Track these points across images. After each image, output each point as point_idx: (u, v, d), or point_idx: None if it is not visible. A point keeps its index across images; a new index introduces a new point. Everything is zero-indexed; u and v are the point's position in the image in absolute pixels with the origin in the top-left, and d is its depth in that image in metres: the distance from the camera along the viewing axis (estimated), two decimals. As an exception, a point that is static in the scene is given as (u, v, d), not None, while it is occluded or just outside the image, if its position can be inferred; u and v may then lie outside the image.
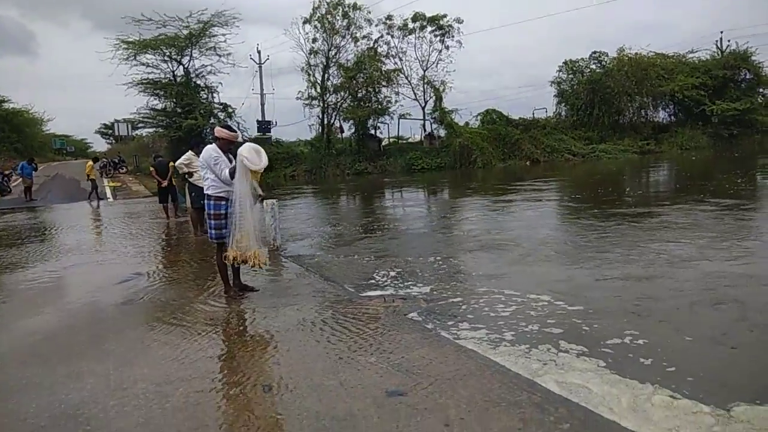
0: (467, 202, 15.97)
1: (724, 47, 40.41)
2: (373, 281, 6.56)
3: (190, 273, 7.02)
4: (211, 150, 5.37)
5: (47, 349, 4.37)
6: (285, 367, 3.77)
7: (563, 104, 38.94)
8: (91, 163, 21.23)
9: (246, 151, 5.16)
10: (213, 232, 5.46)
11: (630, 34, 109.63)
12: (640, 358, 3.84)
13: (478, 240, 8.91)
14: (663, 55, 39.19)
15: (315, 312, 5.03)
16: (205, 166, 5.38)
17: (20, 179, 20.93)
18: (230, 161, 5.44)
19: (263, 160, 5.24)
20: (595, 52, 37.78)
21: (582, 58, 38.18)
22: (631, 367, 3.67)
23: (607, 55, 37.49)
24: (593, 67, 37.75)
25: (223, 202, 5.34)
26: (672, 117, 41.06)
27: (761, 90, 39.07)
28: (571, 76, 38.31)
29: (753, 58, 37.40)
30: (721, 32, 42.07)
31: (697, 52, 40.68)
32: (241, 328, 4.72)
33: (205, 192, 5.48)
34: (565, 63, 38.46)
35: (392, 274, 6.83)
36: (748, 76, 37.94)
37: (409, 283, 6.35)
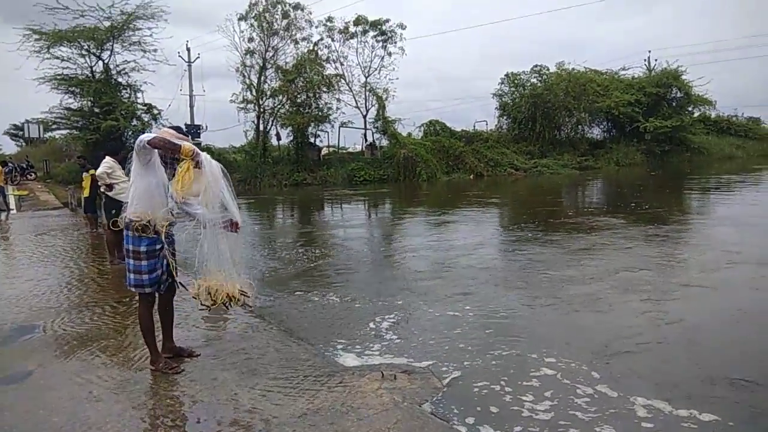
0: (424, 222, 14.65)
1: (651, 66, 41.94)
2: (348, 336, 5.01)
3: (102, 324, 5.18)
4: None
5: None
6: None
7: (505, 117, 38.69)
8: None
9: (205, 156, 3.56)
10: (131, 276, 3.77)
11: (553, 51, 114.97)
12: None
13: (454, 275, 7.54)
14: (597, 71, 39.94)
15: (290, 400, 3.44)
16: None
17: None
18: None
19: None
20: (536, 66, 37.79)
21: (523, 71, 38.12)
22: None
23: (548, 69, 37.59)
24: (534, 80, 37.72)
25: (146, 236, 3.69)
26: (606, 134, 41.86)
27: (691, 108, 40.43)
28: (513, 89, 38.13)
29: (683, 77, 38.60)
30: (649, 51, 43.82)
31: (629, 69, 41.98)
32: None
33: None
34: (507, 75, 38.25)
35: (368, 326, 5.28)
36: (678, 95, 39.07)
37: (392, 338, 4.86)
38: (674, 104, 39.08)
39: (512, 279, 7.22)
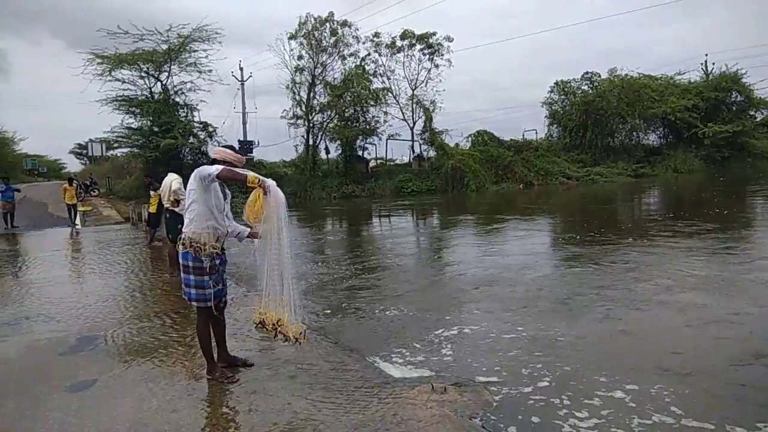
0: (480, 232, 14.48)
1: (709, 70, 40.35)
2: (399, 349, 4.93)
3: (162, 335, 5.37)
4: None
5: None
6: None
7: (555, 126, 38.04)
8: (67, 185, 19.03)
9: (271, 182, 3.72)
10: (192, 291, 3.88)
11: (602, 59, 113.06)
12: None
13: (516, 288, 7.30)
14: (652, 77, 38.62)
15: (342, 410, 3.45)
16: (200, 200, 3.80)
17: None
18: (224, 195, 3.96)
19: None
20: (587, 73, 37.07)
21: (573, 79, 37.44)
22: None
23: (599, 76, 36.73)
24: (585, 88, 36.94)
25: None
26: (663, 140, 40.48)
27: (752, 112, 38.67)
28: (563, 97, 37.47)
29: (743, 80, 37.01)
30: (706, 55, 42.28)
31: (684, 73, 40.49)
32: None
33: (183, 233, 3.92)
34: (557, 84, 37.67)
35: (421, 339, 5.18)
36: (739, 99, 37.52)
37: (446, 353, 4.76)
38: (734, 108, 37.52)
39: (584, 291, 6.72)
